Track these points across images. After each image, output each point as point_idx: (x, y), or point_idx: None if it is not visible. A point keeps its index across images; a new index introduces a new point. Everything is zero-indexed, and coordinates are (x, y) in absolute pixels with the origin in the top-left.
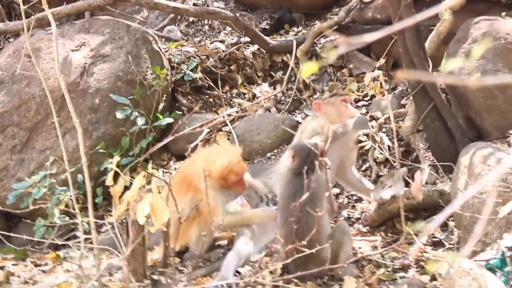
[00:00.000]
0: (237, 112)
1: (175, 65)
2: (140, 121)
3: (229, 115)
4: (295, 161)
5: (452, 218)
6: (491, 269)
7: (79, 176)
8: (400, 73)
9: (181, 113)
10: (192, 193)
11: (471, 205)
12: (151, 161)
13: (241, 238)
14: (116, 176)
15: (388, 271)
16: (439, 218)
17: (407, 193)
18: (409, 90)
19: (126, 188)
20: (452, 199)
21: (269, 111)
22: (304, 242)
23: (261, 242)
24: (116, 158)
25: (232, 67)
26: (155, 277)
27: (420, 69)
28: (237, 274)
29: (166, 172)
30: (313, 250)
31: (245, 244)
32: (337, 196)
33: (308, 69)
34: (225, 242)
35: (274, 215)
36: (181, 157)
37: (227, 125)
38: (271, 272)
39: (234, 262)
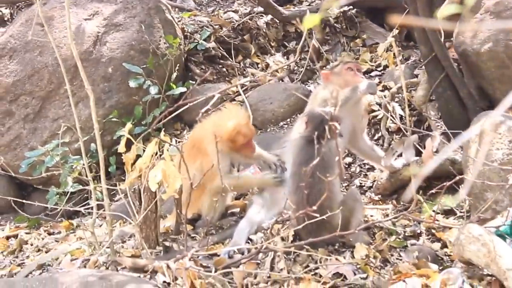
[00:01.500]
0: (250, 81)
1: (188, 34)
2: (153, 90)
3: (242, 84)
4: (308, 128)
5: (463, 186)
6: (501, 235)
7: (92, 145)
8: (395, 18)
9: (194, 82)
10: (201, 157)
11: (481, 173)
12: (164, 131)
13: (253, 206)
14: (128, 144)
15: (399, 238)
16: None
17: (419, 161)
18: (421, 60)
19: (139, 157)
20: (463, 167)
21: (282, 80)
22: (315, 208)
23: (273, 210)
24: (129, 125)
25: (245, 37)
26: (167, 244)
27: (432, 39)
28: (249, 241)
29: (179, 142)
30: (324, 217)
31: (257, 211)
32: (349, 165)
33: (310, 21)
34: (237, 210)
35: (274, 182)
36: (193, 126)
37: (240, 94)
38: (282, 239)
39: (246, 229)
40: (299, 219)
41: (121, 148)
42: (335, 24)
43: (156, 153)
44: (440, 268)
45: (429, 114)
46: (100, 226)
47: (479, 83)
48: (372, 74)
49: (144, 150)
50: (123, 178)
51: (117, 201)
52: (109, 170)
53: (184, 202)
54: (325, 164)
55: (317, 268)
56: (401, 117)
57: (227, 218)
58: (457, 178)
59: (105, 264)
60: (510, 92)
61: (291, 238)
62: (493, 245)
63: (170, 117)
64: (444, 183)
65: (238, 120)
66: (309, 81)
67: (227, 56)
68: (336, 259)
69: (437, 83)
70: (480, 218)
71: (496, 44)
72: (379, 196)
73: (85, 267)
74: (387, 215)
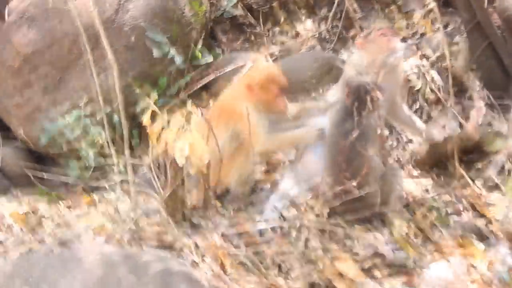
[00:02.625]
0: (279, 50)
1: (215, 1)
2: (178, 60)
3: (271, 53)
4: (348, 99)
5: (510, 160)
6: None
7: (115, 116)
8: None
9: (220, 51)
10: (233, 124)
11: None
12: (190, 101)
13: (285, 180)
14: (153, 116)
15: (440, 215)
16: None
17: (461, 134)
18: (461, 27)
19: (164, 129)
20: (509, 140)
21: (314, 49)
22: (353, 183)
23: (306, 184)
24: (153, 95)
25: (274, 4)
26: (194, 220)
27: (475, 4)
28: (281, 217)
29: (204, 112)
30: (362, 192)
31: (289, 186)
32: (386, 137)
33: None
34: (268, 185)
35: (319, 133)
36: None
37: None
38: (317, 215)
39: (278, 204)
40: (335, 194)
41: (145, 120)
42: None
43: (183, 125)
44: (486, 246)
45: (471, 84)
46: (123, 201)
47: None
48: (409, 42)
49: (169, 122)
50: (146, 152)
51: (141, 175)
52: (132, 143)
53: (212, 176)
54: (365, 137)
55: (354, 246)
56: (439, 88)
57: (257, 193)
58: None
59: (129, 242)
60: None
61: (326, 215)
62: None
63: (196, 86)
64: (489, 157)
65: (269, 68)
66: (342, 50)
67: (255, 24)
68: (374, 236)
69: (479, 51)
70: None
71: None
72: (418, 170)
73: (108, 244)
74: (427, 190)
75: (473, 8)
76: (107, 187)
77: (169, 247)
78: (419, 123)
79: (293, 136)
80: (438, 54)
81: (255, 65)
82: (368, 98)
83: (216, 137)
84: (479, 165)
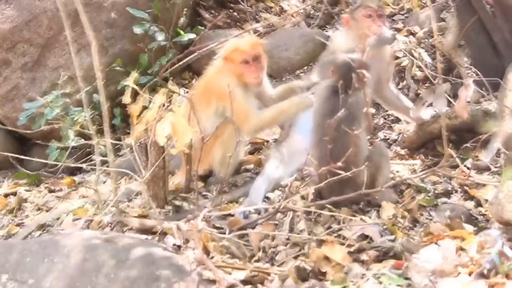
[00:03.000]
0: (263, 27)
1: None
2: (160, 37)
3: (255, 30)
4: (333, 77)
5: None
6: None
7: (95, 95)
8: None
9: (203, 28)
10: (216, 100)
11: None
12: (172, 80)
13: (270, 161)
14: (134, 95)
15: (429, 196)
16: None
17: (450, 112)
18: (449, 2)
19: (145, 109)
20: (498, 119)
21: (298, 26)
22: (339, 164)
23: (292, 165)
24: (134, 74)
25: None
26: (177, 202)
27: None
28: (266, 199)
29: (187, 92)
30: (349, 173)
31: (275, 167)
32: (373, 116)
33: None
34: (252, 165)
35: (311, 100)
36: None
37: None
38: (302, 197)
39: (263, 186)
40: (321, 175)
41: (126, 98)
42: None
43: (164, 104)
44: (475, 229)
45: (459, 61)
46: (104, 182)
47: None
48: (395, 18)
49: (150, 101)
50: (129, 131)
51: (122, 155)
52: (114, 122)
53: (195, 157)
54: (351, 116)
55: (340, 229)
56: (426, 65)
57: (241, 174)
58: (493, 131)
59: (110, 225)
60: None
61: (311, 197)
62: None
63: (178, 64)
64: (478, 136)
65: (240, 39)
66: (327, 26)
67: (239, 0)
68: (361, 219)
69: (468, 27)
70: None
71: None
72: (406, 150)
73: (88, 227)
74: (415, 171)
75: None
76: (87, 168)
77: (151, 230)
78: (406, 102)
79: (283, 108)
80: (425, 30)
81: (235, 39)
82: (354, 76)
83: (199, 115)
84: (468, 144)
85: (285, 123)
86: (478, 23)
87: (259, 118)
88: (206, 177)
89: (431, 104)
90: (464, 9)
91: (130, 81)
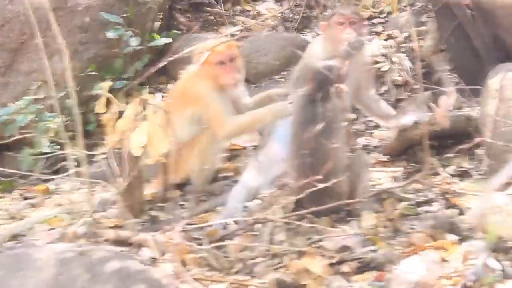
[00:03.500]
0: (241, 31)
1: None
2: (134, 42)
3: (233, 34)
4: (310, 86)
5: (481, 147)
6: None
7: (69, 101)
8: None
9: (179, 32)
10: (192, 105)
11: (503, 132)
12: (147, 85)
13: (249, 169)
14: (109, 103)
15: (410, 205)
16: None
17: (431, 119)
18: (429, 6)
19: (121, 114)
20: (480, 125)
21: (276, 30)
22: (320, 177)
23: (270, 174)
24: (108, 82)
25: None
26: (153, 212)
27: None
28: (244, 209)
29: (164, 97)
30: (329, 184)
31: (253, 175)
32: (353, 121)
33: None
34: (229, 173)
35: (288, 109)
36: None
37: None
38: (282, 208)
39: (241, 196)
40: (300, 185)
41: (99, 108)
42: None
43: (139, 113)
44: (459, 238)
45: (440, 66)
46: (78, 189)
47: (495, 32)
48: (374, 21)
49: (124, 110)
50: (104, 137)
51: (97, 161)
52: (88, 128)
53: (171, 165)
54: (330, 126)
55: (321, 240)
56: (407, 69)
57: (219, 182)
58: (477, 140)
59: (85, 236)
60: None
61: (291, 207)
62: None
63: (154, 70)
64: (460, 143)
65: (215, 41)
66: (306, 29)
67: (215, 3)
68: (342, 229)
69: (448, 32)
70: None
71: None
72: (387, 156)
73: (62, 238)
74: (396, 179)
75: None
76: (61, 178)
77: (127, 242)
78: (387, 108)
79: (259, 115)
80: (405, 34)
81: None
82: (331, 85)
83: (175, 122)
84: (450, 151)
85: (263, 131)
86: (458, 27)
87: (234, 123)
88: (183, 186)
89: (412, 111)
90: (444, 14)
91: (103, 90)
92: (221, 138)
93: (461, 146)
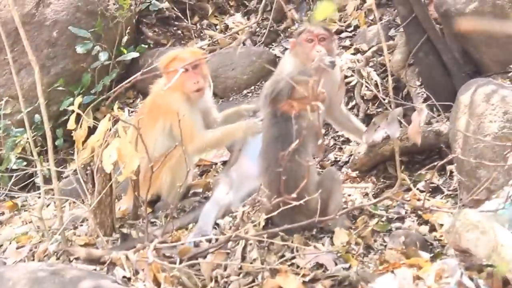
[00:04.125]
0: (208, 45)
1: None
2: (103, 56)
3: (200, 48)
4: (272, 104)
5: (452, 163)
6: None
7: (37, 116)
8: None
9: (147, 46)
10: (162, 118)
11: (474, 149)
12: (116, 100)
13: (220, 186)
14: (78, 119)
15: (382, 222)
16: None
17: (401, 135)
18: (397, 20)
19: (90, 129)
20: (451, 141)
21: (244, 44)
22: (294, 195)
23: (242, 190)
24: (78, 99)
25: None
26: (125, 230)
27: None
28: (216, 226)
29: (132, 112)
30: (301, 202)
31: (224, 192)
32: (323, 136)
33: (323, 11)
34: (200, 190)
35: (259, 126)
36: (148, 94)
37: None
38: (254, 225)
39: (213, 213)
40: (272, 202)
41: (70, 125)
42: None
43: (110, 129)
44: (431, 255)
45: (409, 81)
46: (48, 206)
47: (464, 46)
48: (342, 35)
49: (95, 124)
50: (72, 152)
51: (66, 177)
52: (56, 143)
53: (142, 182)
54: (301, 143)
55: (294, 257)
56: (376, 84)
57: (190, 198)
58: (450, 157)
59: (55, 254)
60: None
61: (263, 224)
62: (495, 233)
63: (125, 85)
64: (429, 159)
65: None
66: (273, 43)
67: (182, 17)
68: (315, 247)
69: (417, 47)
70: (473, 199)
71: (482, 4)
72: (357, 172)
73: (33, 256)
74: (367, 194)
75: (409, 1)
76: (30, 195)
77: (99, 260)
78: (357, 123)
79: (229, 131)
80: (373, 48)
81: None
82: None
83: (146, 137)
84: (421, 167)
85: (234, 147)
86: (427, 42)
87: (204, 138)
88: (153, 202)
89: (383, 128)
90: (412, 28)
91: (74, 106)
92: (191, 152)
93: (434, 164)
